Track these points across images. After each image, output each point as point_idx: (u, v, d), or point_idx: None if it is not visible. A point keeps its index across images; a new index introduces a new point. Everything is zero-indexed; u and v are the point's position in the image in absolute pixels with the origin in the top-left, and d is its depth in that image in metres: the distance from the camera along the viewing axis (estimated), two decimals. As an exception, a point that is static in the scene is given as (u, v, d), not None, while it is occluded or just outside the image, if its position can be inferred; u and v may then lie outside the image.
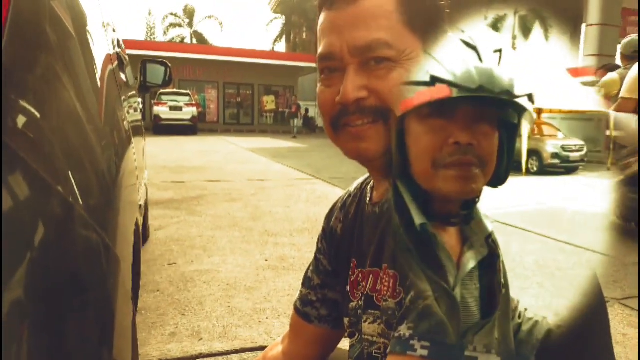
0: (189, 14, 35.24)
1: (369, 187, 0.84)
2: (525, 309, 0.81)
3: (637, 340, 2.27)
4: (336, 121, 0.72)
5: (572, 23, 17.63)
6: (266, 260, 3.36)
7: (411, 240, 0.64)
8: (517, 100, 0.63)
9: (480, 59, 0.63)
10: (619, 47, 4.63)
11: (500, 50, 0.65)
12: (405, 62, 0.68)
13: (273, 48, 33.37)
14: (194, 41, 34.52)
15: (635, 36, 4.49)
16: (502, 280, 0.68)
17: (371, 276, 0.74)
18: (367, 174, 0.89)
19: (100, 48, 1.21)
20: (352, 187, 0.90)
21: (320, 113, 0.76)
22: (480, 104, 0.63)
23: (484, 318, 0.63)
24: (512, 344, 0.68)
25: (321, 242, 0.93)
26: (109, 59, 1.36)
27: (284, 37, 34.23)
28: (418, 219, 0.64)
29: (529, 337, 0.75)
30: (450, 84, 0.61)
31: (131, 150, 1.41)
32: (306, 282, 0.95)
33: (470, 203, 0.69)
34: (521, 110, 0.66)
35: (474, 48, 0.64)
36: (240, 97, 25.67)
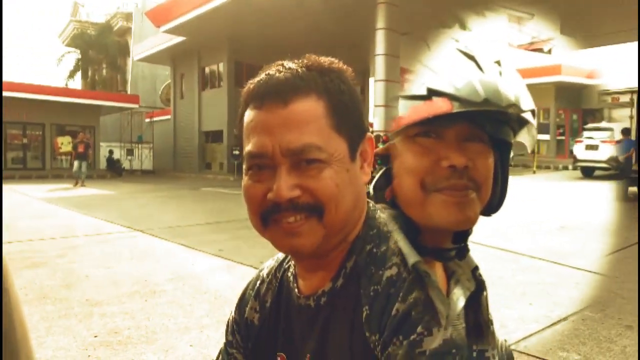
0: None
1: (289, 274, 0.82)
2: (505, 340, 0.82)
3: None
4: (267, 216, 0.71)
5: (361, 77, 20.48)
6: (95, 337, 2.93)
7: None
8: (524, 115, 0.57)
9: (481, 70, 0.57)
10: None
11: (499, 62, 0.59)
12: (335, 163, 0.70)
13: (67, 84, 30.12)
14: (-40, 72, 28.97)
15: None
16: (489, 316, 0.64)
17: None
18: (279, 256, 0.87)
19: None
20: (264, 272, 0.88)
21: (247, 206, 0.74)
22: (481, 120, 0.57)
23: None
24: None
25: (233, 335, 0.89)
26: None
27: (79, 72, 31.26)
28: (411, 258, 0.59)
29: None
30: (451, 97, 0.54)
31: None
32: None
33: (463, 235, 0.63)
34: (523, 125, 0.60)
35: (472, 58, 0.58)
36: (27, 138, 22.31)
